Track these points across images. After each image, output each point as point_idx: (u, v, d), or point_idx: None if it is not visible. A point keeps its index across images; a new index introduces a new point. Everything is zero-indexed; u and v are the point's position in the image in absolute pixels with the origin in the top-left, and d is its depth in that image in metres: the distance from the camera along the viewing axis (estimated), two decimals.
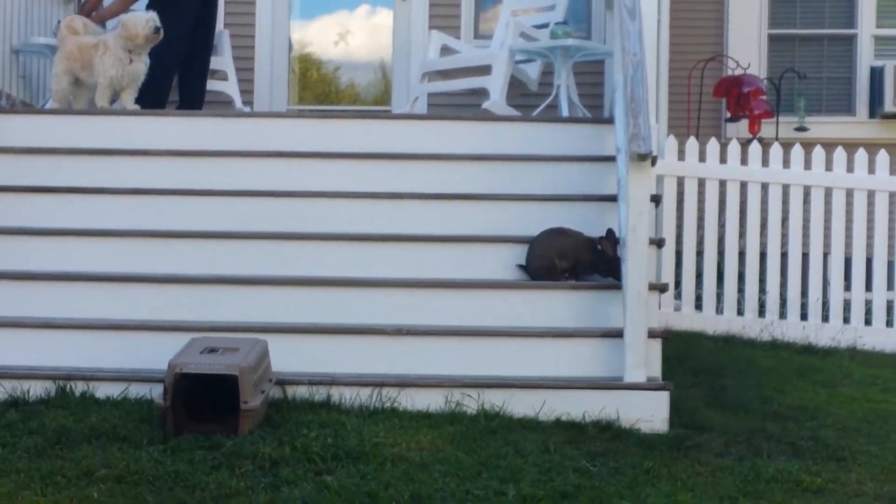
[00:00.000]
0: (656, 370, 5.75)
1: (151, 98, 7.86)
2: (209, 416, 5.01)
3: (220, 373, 5.01)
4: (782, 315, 8.35)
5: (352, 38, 11.39)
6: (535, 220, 6.46)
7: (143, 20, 7.52)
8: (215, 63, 8.98)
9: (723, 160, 8.47)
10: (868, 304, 8.42)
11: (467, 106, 9.07)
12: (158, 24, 7.54)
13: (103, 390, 5.47)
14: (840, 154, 8.44)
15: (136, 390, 5.46)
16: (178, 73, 8.40)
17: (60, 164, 6.96)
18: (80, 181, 6.82)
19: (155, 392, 5.21)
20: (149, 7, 8.02)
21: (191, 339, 5.39)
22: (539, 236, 6.28)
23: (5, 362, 5.69)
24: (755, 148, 8.49)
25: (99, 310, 5.98)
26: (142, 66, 7.63)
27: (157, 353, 5.40)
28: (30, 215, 6.62)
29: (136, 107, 7.63)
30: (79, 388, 5.48)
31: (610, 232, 6.17)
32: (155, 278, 6.13)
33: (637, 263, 5.63)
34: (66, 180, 6.84)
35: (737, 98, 10.22)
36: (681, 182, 8.42)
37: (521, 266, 6.29)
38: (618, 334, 5.71)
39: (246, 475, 4.48)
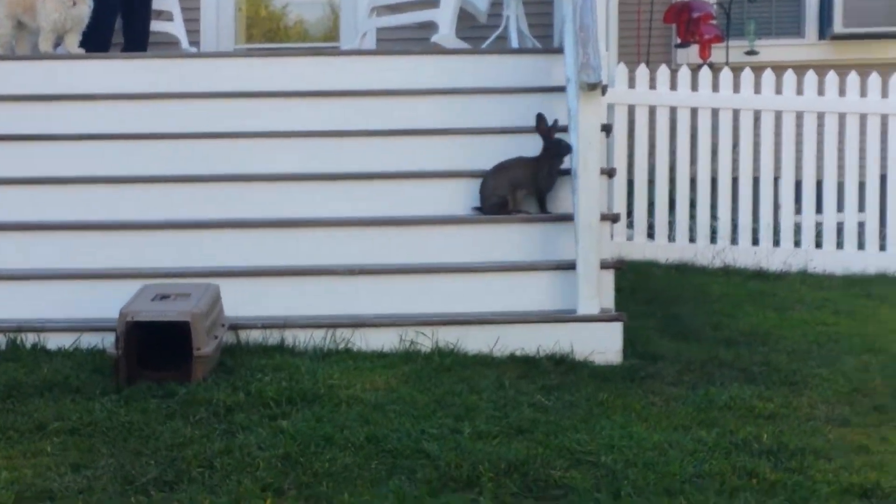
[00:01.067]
0: (609, 301, 5.78)
1: (96, 41, 7.76)
2: (162, 364, 5.00)
3: (171, 320, 4.99)
4: (734, 241, 8.38)
5: None
6: (488, 154, 6.45)
7: None
8: (160, 3, 8.87)
9: (673, 87, 8.46)
10: (819, 226, 8.46)
11: (417, 40, 8.98)
12: None
13: (54, 341, 5.44)
14: (790, 77, 8.44)
15: (88, 340, 5.43)
16: (121, 15, 8.28)
17: (4, 112, 6.87)
18: (25, 128, 6.75)
19: (107, 342, 5.19)
20: None
21: (142, 286, 5.36)
22: (488, 173, 6.26)
23: None
24: (705, 73, 8.48)
25: (48, 259, 5.94)
26: (85, 8, 7.54)
27: (109, 302, 5.37)
28: None
29: (81, 51, 7.53)
30: (29, 339, 5.46)
31: (539, 115, 6.21)
32: (104, 225, 6.09)
33: (588, 194, 5.63)
34: (10, 128, 6.76)
35: (686, 23, 10.17)
36: (631, 110, 8.41)
37: (476, 208, 6.27)
38: (570, 266, 5.73)
39: (200, 423, 4.48)
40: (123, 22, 8.32)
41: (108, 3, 7.85)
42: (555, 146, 6.20)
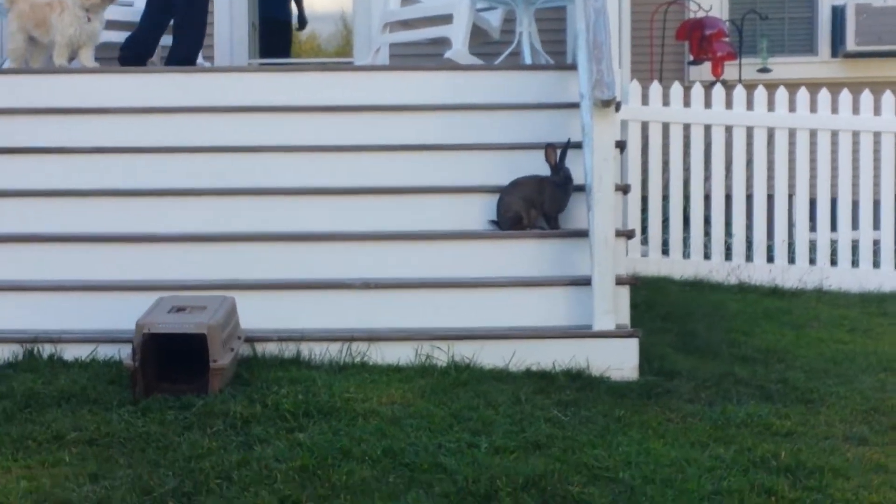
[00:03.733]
0: (625, 317, 5.77)
1: (136, 51, 7.80)
2: (179, 375, 5.01)
3: (188, 332, 4.99)
4: (749, 258, 8.38)
5: None
6: (502, 169, 6.45)
7: None
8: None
9: (686, 104, 8.47)
10: (833, 244, 8.46)
11: (430, 56, 9.00)
12: None
13: (71, 352, 5.45)
14: (803, 95, 8.45)
15: (105, 351, 5.44)
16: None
17: (20, 125, 6.88)
18: (41, 141, 6.76)
19: (124, 353, 5.18)
20: None
21: (158, 298, 5.36)
22: (505, 188, 6.27)
23: None
24: (718, 91, 8.49)
25: (65, 271, 5.95)
26: (98, 24, 7.57)
27: (125, 314, 5.36)
28: None
29: (95, 65, 7.56)
30: (47, 350, 5.46)
31: (548, 145, 6.21)
32: (121, 237, 6.10)
33: (603, 210, 5.63)
34: (27, 141, 6.77)
35: (699, 41, 10.19)
36: (645, 127, 8.42)
37: (493, 221, 6.27)
38: (586, 282, 5.73)
39: (218, 434, 4.48)
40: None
41: (151, 19, 7.89)
42: (562, 179, 6.20)
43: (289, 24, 11.51)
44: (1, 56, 8.68)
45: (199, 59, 8.82)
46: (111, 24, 8.03)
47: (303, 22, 11.62)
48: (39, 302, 5.77)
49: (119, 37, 8.49)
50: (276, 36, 11.12)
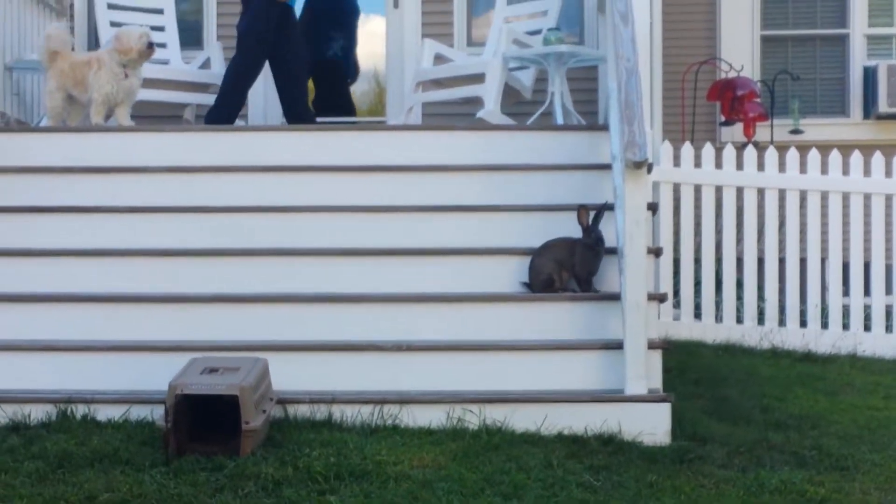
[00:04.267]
0: (657, 381, 5.75)
1: (220, 112, 7.96)
2: (211, 436, 5.01)
3: (220, 393, 5.00)
4: (781, 322, 8.33)
5: None
6: (535, 231, 6.46)
7: (136, 35, 7.52)
8: (208, 77, 8.98)
9: (718, 165, 8.46)
10: (867, 309, 8.40)
11: (462, 115, 9.05)
12: (152, 39, 7.53)
13: (104, 413, 5.46)
14: (835, 157, 8.43)
15: (138, 412, 5.45)
16: (277, 84, 8.45)
17: (56, 184, 6.95)
18: (76, 200, 6.81)
19: (156, 413, 5.20)
20: None
21: (191, 358, 5.38)
22: (537, 250, 6.28)
23: (6, 386, 5.69)
24: (750, 152, 8.48)
25: (99, 331, 5.98)
26: (136, 81, 7.63)
27: (158, 374, 5.40)
28: (26, 236, 6.61)
29: (131, 123, 7.63)
30: (80, 410, 5.48)
31: (580, 206, 6.21)
32: (154, 298, 6.13)
33: (635, 273, 5.61)
34: (62, 199, 6.83)
35: (731, 101, 10.23)
36: (677, 188, 8.42)
37: (524, 283, 6.28)
38: (618, 346, 5.71)
39: (249, 496, 4.48)
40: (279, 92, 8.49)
41: (237, 71, 8.08)
42: (593, 241, 6.20)
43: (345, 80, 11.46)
44: (38, 113, 8.77)
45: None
46: (147, 83, 8.10)
47: (354, 76, 11.59)
48: (73, 362, 5.79)
49: (155, 95, 8.59)
50: (334, 94, 11.09)
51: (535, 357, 5.81)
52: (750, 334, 8.24)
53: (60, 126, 7.71)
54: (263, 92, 9.51)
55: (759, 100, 10.29)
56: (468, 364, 5.77)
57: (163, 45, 8.78)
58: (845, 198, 8.43)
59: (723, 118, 10.41)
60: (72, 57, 7.71)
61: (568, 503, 4.50)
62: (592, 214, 6.21)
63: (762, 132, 10.28)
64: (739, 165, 8.45)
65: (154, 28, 8.23)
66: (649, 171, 6.60)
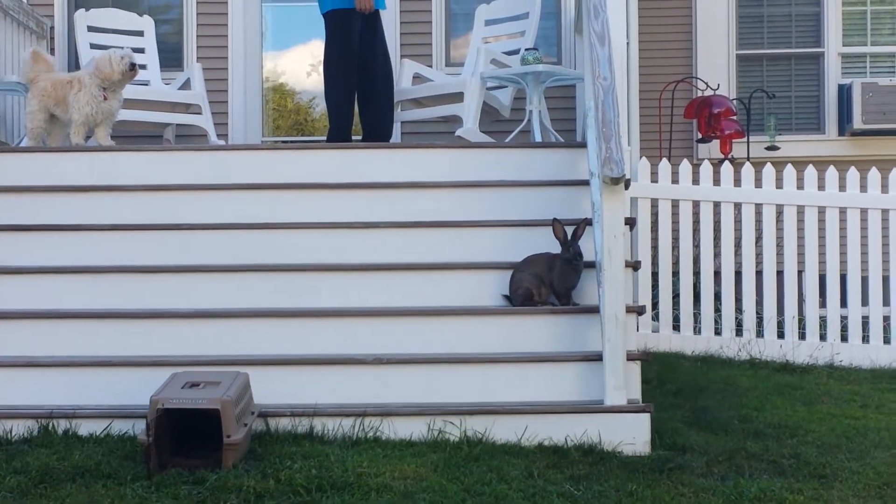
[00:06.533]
0: (636, 392, 5.79)
1: (332, 133, 8.11)
2: (193, 451, 5.02)
3: (202, 407, 5.02)
4: (759, 333, 8.39)
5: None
6: (514, 246, 6.51)
7: (116, 59, 7.53)
8: (188, 97, 9.02)
9: (695, 181, 8.53)
10: (843, 320, 8.47)
11: (441, 133, 9.11)
12: (134, 60, 7.56)
13: (86, 427, 5.48)
14: (811, 172, 8.51)
15: (119, 427, 5.47)
16: (359, 104, 8.40)
17: (37, 202, 6.97)
18: (57, 219, 6.84)
19: (138, 428, 5.22)
20: None
21: (172, 373, 5.40)
22: (518, 265, 6.33)
23: None
24: (727, 168, 8.55)
25: (80, 347, 5.99)
26: (115, 103, 7.66)
27: (139, 389, 5.42)
28: (9, 254, 6.63)
29: (111, 143, 7.65)
30: (61, 425, 5.49)
31: (554, 220, 6.27)
32: (135, 314, 6.15)
33: (613, 286, 5.66)
34: (43, 218, 6.85)
35: (707, 119, 10.29)
36: (654, 204, 8.48)
37: (506, 296, 6.33)
38: (597, 357, 5.75)
39: None
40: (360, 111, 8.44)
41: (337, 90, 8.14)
42: (571, 255, 6.25)
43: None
44: (19, 134, 8.79)
45: (214, 138, 8.94)
46: (128, 103, 8.13)
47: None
48: (55, 378, 5.80)
49: (136, 115, 8.61)
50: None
51: (516, 369, 5.85)
52: (728, 345, 8.30)
53: (41, 146, 7.72)
54: (244, 112, 9.56)
55: (735, 117, 10.36)
56: (449, 376, 5.81)
57: (143, 67, 8.80)
58: (821, 212, 8.50)
59: (699, 135, 10.48)
60: (54, 76, 7.73)
61: None
62: (572, 229, 6.26)
63: (738, 149, 10.35)
64: (717, 181, 8.51)
65: (134, 50, 8.23)
66: (627, 186, 6.67)
